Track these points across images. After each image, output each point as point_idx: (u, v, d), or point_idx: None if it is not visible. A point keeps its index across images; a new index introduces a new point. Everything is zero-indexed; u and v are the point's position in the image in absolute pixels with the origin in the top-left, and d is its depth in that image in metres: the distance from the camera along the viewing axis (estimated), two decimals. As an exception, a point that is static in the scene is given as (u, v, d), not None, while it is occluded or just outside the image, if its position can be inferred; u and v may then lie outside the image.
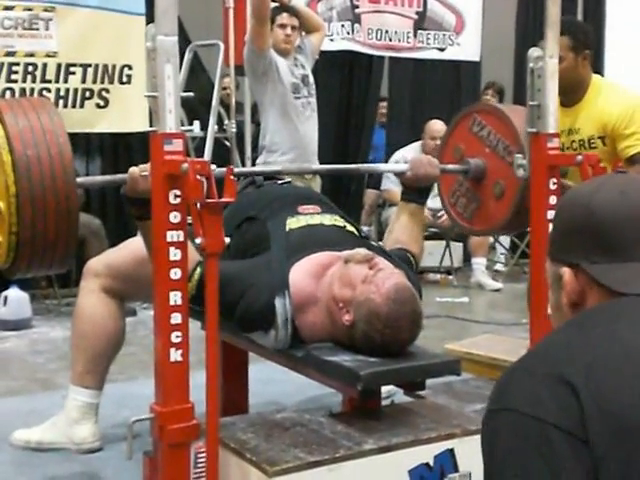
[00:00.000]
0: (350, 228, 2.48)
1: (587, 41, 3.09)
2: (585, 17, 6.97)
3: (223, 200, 1.77)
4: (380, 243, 2.60)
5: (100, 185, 2.94)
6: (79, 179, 2.14)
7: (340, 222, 2.47)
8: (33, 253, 2.09)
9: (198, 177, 1.75)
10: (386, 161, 6.14)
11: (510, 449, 0.96)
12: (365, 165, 4.43)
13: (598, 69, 6.72)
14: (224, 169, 1.89)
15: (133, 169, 2.01)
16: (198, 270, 2.08)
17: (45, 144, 2.06)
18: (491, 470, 0.99)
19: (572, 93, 2.66)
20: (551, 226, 1.20)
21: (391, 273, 2.13)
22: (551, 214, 2.51)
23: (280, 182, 2.72)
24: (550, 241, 1.18)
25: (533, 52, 2.51)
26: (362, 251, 2.21)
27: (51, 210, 2.04)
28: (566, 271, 1.12)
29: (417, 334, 2.13)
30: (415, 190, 2.59)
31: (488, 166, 2.84)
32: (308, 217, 2.41)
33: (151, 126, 1.86)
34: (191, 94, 1.98)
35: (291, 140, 4.01)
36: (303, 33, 4.15)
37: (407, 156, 5.79)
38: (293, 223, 2.38)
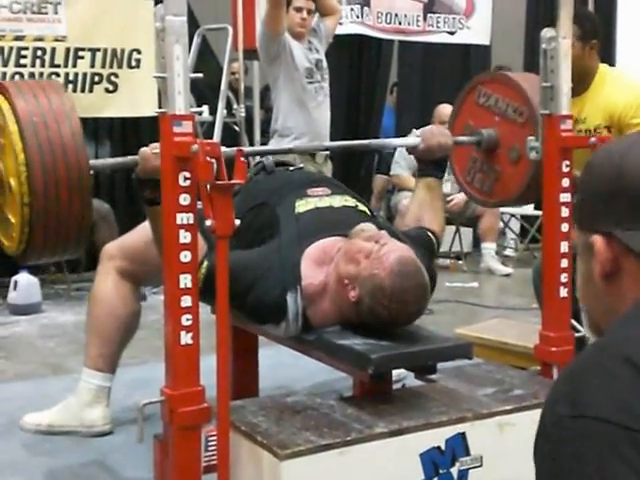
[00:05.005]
0: (362, 207, 2.45)
1: (594, 30, 3.06)
2: (597, 3, 6.90)
3: (233, 181, 1.75)
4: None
5: (111, 167, 2.85)
6: (90, 161, 2.09)
7: (351, 202, 2.44)
8: (47, 227, 2.00)
9: (208, 159, 1.74)
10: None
11: (594, 461, 0.86)
12: (376, 140, 4.43)
13: (609, 57, 6.67)
14: (233, 148, 1.87)
15: (144, 149, 2.01)
16: (205, 263, 2.04)
17: (52, 112, 2.00)
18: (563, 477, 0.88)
19: (579, 83, 2.64)
20: (578, 191, 1.08)
21: (395, 247, 2.11)
22: (564, 197, 2.48)
23: (292, 168, 2.70)
24: (577, 208, 1.06)
25: (546, 33, 2.47)
26: (366, 226, 2.19)
27: (63, 177, 1.97)
28: (597, 239, 1.01)
29: (424, 307, 2.12)
30: (430, 163, 2.55)
31: (500, 134, 2.78)
32: (317, 199, 2.39)
33: (160, 108, 1.84)
34: (200, 75, 1.96)
35: (303, 125, 3.98)
36: (317, 15, 4.09)
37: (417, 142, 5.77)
38: (301, 206, 2.35)
